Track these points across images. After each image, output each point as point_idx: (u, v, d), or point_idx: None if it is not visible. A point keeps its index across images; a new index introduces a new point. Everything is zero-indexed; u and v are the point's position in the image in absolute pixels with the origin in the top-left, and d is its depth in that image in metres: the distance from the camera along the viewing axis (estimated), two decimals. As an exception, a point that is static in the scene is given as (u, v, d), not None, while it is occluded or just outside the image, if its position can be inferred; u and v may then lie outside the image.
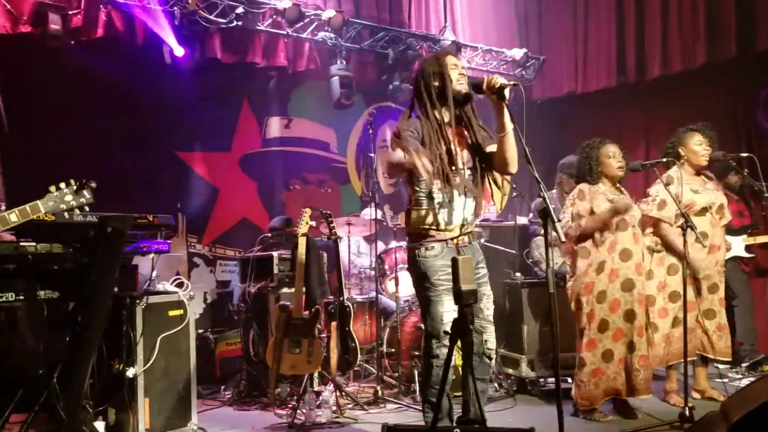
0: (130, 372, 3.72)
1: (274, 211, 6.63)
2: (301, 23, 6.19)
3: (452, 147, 3.12)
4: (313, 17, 6.29)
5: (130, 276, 3.87)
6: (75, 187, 2.52)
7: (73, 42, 5.12)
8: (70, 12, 5.03)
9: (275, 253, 5.15)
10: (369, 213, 5.70)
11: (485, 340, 3.17)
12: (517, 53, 7.49)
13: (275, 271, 5.09)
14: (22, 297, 3.28)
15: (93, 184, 2.57)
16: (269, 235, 5.65)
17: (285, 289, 4.97)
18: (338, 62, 6.49)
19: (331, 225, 4.82)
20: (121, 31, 5.32)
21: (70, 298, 3.48)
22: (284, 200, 6.91)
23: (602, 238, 4.05)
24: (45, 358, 3.45)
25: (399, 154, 2.92)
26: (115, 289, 3.57)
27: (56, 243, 3.32)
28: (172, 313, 4.00)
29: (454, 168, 3.09)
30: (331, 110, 6.94)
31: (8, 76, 5.08)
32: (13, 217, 2.33)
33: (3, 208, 3.04)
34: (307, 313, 4.51)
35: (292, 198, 6.95)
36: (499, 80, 2.97)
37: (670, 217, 4.27)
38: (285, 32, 6.22)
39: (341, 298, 4.81)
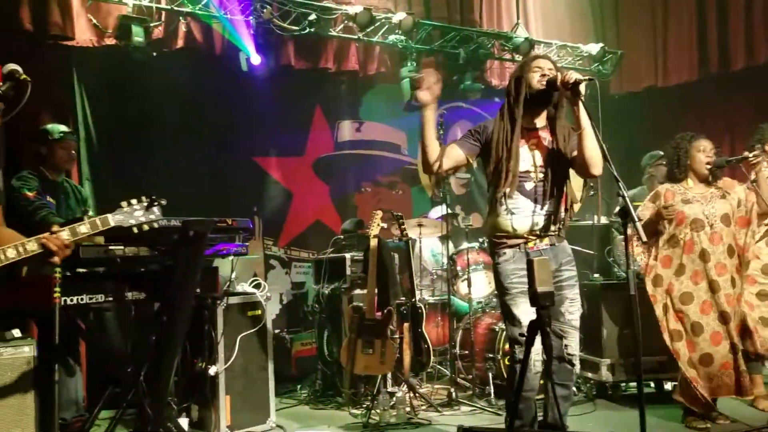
0: (212, 370, 3.84)
1: (346, 214, 6.70)
2: (372, 27, 6.24)
3: (517, 149, 3.06)
4: (383, 20, 6.34)
5: (211, 278, 3.99)
6: (146, 204, 2.61)
7: (155, 53, 5.35)
8: (151, 24, 5.25)
9: (348, 255, 5.22)
10: (437, 213, 5.69)
11: (566, 345, 3.09)
12: (594, 48, 7.30)
13: (348, 272, 5.15)
14: (111, 298, 3.44)
15: (163, 202, 2.65)
16: (341, 237, 5.73)
17: (357, 290, 5.02)
18: (408, 64, 6.50)
19: (403, 226, 4.84)
20: (199, 42, 5.52)
21: (156, 299, 3.63)
22: (356, 203, 6.97)
23: (677, 238, 3.91)
24: (132, 357, 3.61)
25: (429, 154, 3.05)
26: (197, 291, 3.68)
27: (143, 246, 3.47)
28: (250, 313, 4.12)
29: (510, 168, 3.04)
30: (402, 112, 6.96)
31: (94, 88, 5.37)
32: (83, 228, 2.44)
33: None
34: (379, 314, 4.54)
35: (364, 200, 7.01)
36: (573, 75, 2.91)
37: None
38: (356, 37, 6.29)
39: (413, 300, 4.82)
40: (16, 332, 3.38)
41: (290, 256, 6.54)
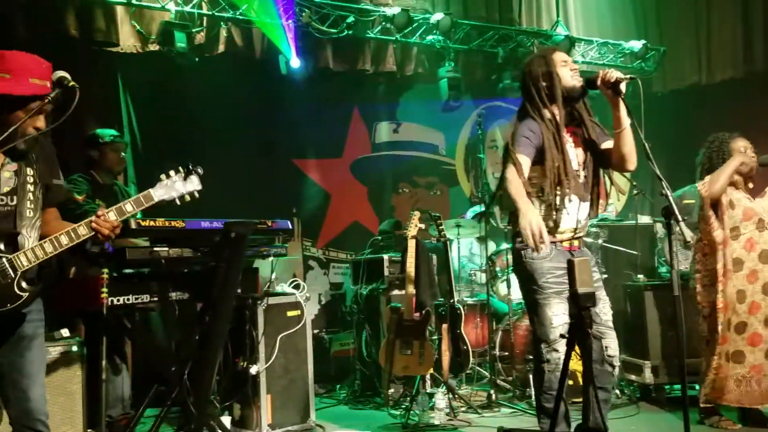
0: (253, 369, 3.89)
1: (384, 215, 6.73)
2: (410, 28, 6.25)
3: (566, 148, 3.02)
4: (421, 21, 6.34)
5: (252, 278, 4.05)
6: (183, 174, 2.59)
7: (197, 58, 5.46)
8: (193, 30, 5.36)
9: (385, 256, 5.23)
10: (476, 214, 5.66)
11: (605, 347, 3.03)
12: (636, 45, 7.18)
13: (386, 273, 5.16)
14: (155, 299, 3.52)
15: (200, 170, 2.64)
16: (379, 237, 5.74)
17: (395, 291, 5.02)
18: (446, 64, 6.49)
19: (441, 227, 4.83)
20: (240, 46, 5.62)
21: (199, 299, 3.70)
22: (394, 203, 6.99)
23: (740, 232, 3.82)
24: (176, 356, 3.69)
25: (512, 190, 2.84)
26: (239, 291, 3.73)
27: (186, 248, 3.54)
28: (290, 313, 4.16)
29: (568, 172, 2.99)
30: (440, 112, 6.95)
31: (139, 93, 5.50)
32: (129, 206, 2.48)
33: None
34: (417, 315, 4.54)
35: (402, 201, 7.02)
36: (615, 74, 2.85)
37: None
38: (394, 38, 6.31)
39: (451, 301, 4.80)
40: (65, 332, 3.48)
41: (328, 257, 6.59)
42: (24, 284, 2.27)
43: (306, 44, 5.92)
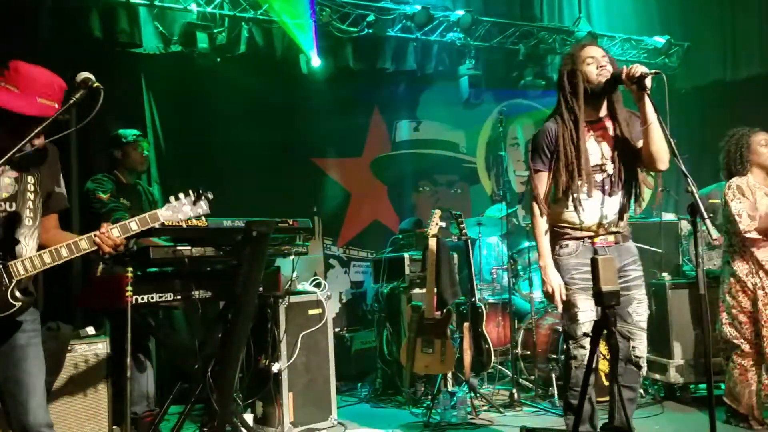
0: (275, 367, 3.91)
1: (404, 213, 6.72)
2: (430, 26, 6.23)
3: (585, 145, 2.99)
4: (441, 18, 6.32)
5: (273, 277, 4.07)
6: (193, 198, 2.60)
7: (218, 59, 5.49)
8: (215, 31, 5.40)
9: (406, 254, 5.22)
10: (496, 212, 5.62)
11: (633, 347, 3.01)
12: (659, 41, 7.09)
13: (407, 271, 5.16)
14: (179, 297, 3.55)
15: (210, 196, 2.64)
16: (400, 236, 5.74)
17: (416, 290, 5.02)
18: (467, 62, 6.46)
19: (461, 225, 4.81)
20: (261, 46, 5.64)
21: (221, 298, 3.72)
22: (414, 202, 6.99)
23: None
24: (199, 354, 3.72)
25: (535, 235, 3.11)
26: (260, 289, 3.75)
27: (209, 247, 3.57)
28: (311, 312, 4.18)
29: (581, 167, 2.97)
30: (460, 110, 6.94)
31: (162, 93, 5.55)
32: (134, 225, 2.47)
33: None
34: (438, 313, 4.52)
35: (422, 199, 7.01)
36: (639, 69, 2.82)
37: None
38: (414, 36, 6.30)
39: (473, 299, 4.78)
40: (90, 330, 3.53)
41: (349, 256, 6.60)
42: (17, 293, 2.25)
43: (326, 43, 5.94)
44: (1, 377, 2.30)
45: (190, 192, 2.61)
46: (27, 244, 2.32)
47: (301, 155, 6.35)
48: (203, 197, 2.61)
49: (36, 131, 2.21)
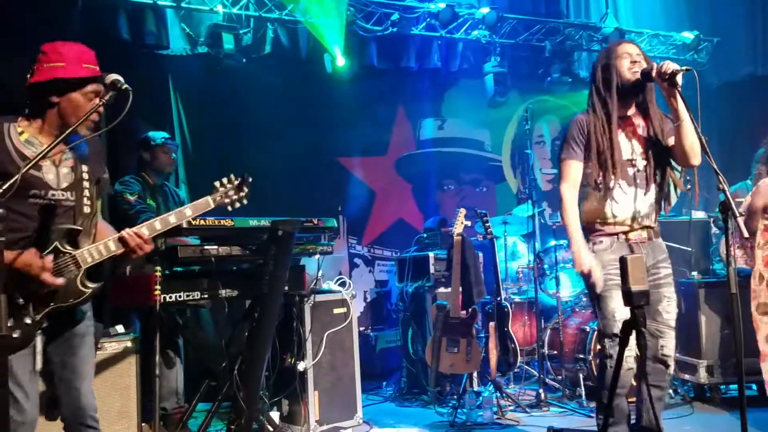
0: (301, 366, 3.93)
1: (429, 212, 6.71)
2: (455, 23, 6.21)
3: (617, 139, 2.97)
4: (466, 16, 6.29)
5: (299, 275, 4.08)
6: (236, 183, 2.72)
7: (244, 59, 5.54)
8: (241, 32, 5.44)
9: (431, 253, 5.21)
10: (522, 211, 5.59)
11: (662, 346, 2.98)
12: (688, 36, 6.98)
13: (431, 270, 5.15)
14: (206, 296, 3.59)
15: (249, 179, 2.76)
16: (424, 235, 5.72)
17: (441, 289, 5.00)
18: (492, 59, 6.43)
19: (487, 224, 4.78)
20: (286, 47, 5.67)
21: (247, 296, 3.76)
22: (439, 200, 6.97)
23: None
24: (226, 352, 3.75)
25: (567, 221, 3.02)
26: (286, 288, 3.77)
27: (235, 246, 3.60)
28: (336, 310, 4.19)
29: (615, 160, 2.94)
30: (486, 108, 6.90)
31: (188, 94, 5.61)
32: (188, 211, 2.58)
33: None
34: (464, 312, 4.51)
35: (447, 198, 6.99)
36: (671, 66, 2.79)
37: None
38: (438, 34, 6.28)
39: (498, 298, 4.75)
40: (120, 328, 3.57)
41: (373, 255, 6.61)
42: (87, 281, 2.33)
43: (350, 42, 5.95)
44: (58, 363, 2.38)
45: (232, 177, 2.73)
46: (88, 232, 2.41)
47: (326, 154, 6.37)
48: (245, 182, 2.73)
49: (93, 91, 2.33)
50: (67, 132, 2.28)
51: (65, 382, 2.38)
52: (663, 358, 2.99)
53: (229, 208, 2.72)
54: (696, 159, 2.92)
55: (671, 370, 3.05)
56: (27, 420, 2.26)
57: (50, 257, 2.26)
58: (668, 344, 3.00)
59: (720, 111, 6.83)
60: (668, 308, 3.01)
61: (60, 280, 2.25)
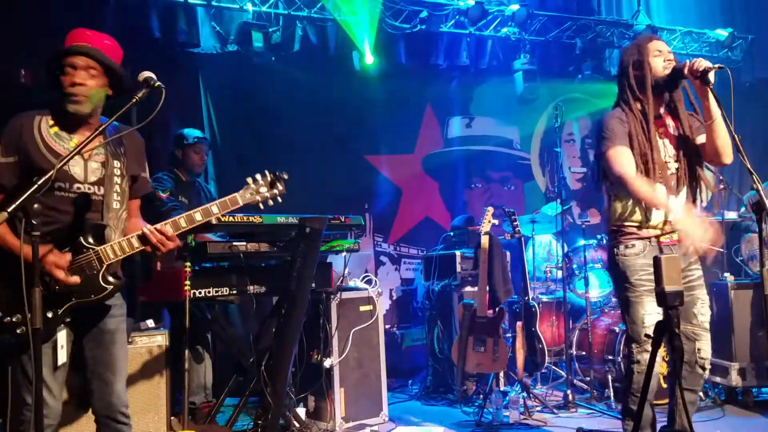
0: (327, 362, 3.95)
1: (456, 210, 6.68)
2: (484, 21, 6.17)
3: (656, 139, 2.91)
4: (496, 13, 6.25)
5: (326, 272, 4.10)
6: (269, 179, 2.60)
7: (273, 57, 5.57)
8: (270, 30, 5.48)
9: (458, 252, 5.19)
10: (553, 210, 5.53)
11: (698, 349, 2.93)
12: (722, 33, 6.84)
13: (458, 269, 5.12)
14: (234, 291, 3.63)
15: (285, 176, 2.63)
16: (451, 233, 5.70)
17: (468, 288, 4.98)
18: (521, 56, 6.38)
19: (515, 223, 4.75)
20: (315, 44, 5.70)
21: (275, 293, 3.78)
22: (466, 199, 6.93)
23: None
24: (254, 347, 3.78)
25: (640, 188, 2.80)
26: (313, 285, 3.79)
27: (263, 242, 3.63)
28: (362, 308, 4.19)
29: (656, 160, 2.88)
30: (515, 106, 6.84)
31: (218, 92, 5.67)
32: (215, 208, 2.51)
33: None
34: (491, 312, 4.48)
35: (474, 196, 6.95)
36: (703, 63, 2.74)
37: None
38: (467, 31, 6.24)
39: (526, 298, 4.72)
40: (150, 322, 3.62)
41: (399, 253, 6.60)
42: (109, 277, 2.33)
43: (379, 40, 5.95)
44: (89, 357, 2.40)
45: (267, 173, 2.61)
46: (116, 227, 2.41)
47: (353, 152, 6.38)
48: (279, 178, 2.61)
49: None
50: (103, 126, 2.31)
51: (97, 376, 2.40)
52: (701, 362, 2.94)
53: (261, 205, 2.60)
54: (728, 158, 2.86)
55: (707, 373, 2.99)
56: (50, 413, 2.28)
57: (68, 255, 2.27)
58: (705, 347, 2.94)
59: (753, 109, 6.69)
60: (702, 310, 2.96)
61: (74, 278, 2.24)
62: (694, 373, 2.94)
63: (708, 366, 2.96)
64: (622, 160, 2.86)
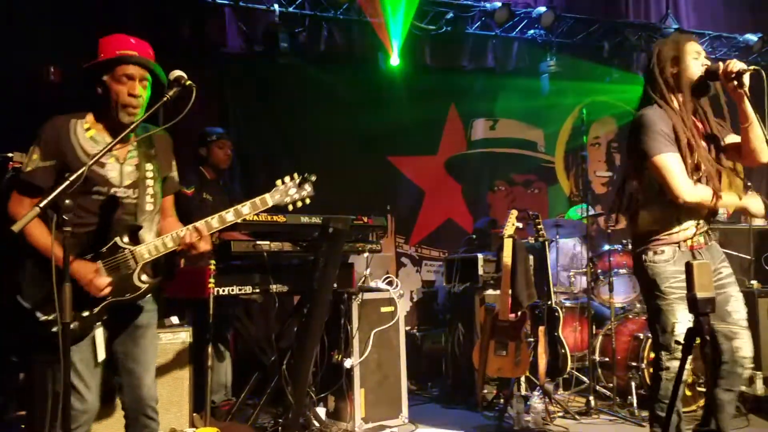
0: (347, 363, 3.94)
1: (479, 213, 6.65)
2: (511, 22, 6.14)
3: (699, 139, 2.84)
4: (522, 15, 6.21)
5: (348, 273, 4.10)
6: (298, 181, 2.64)
7: (299, 58, 5.60)
8: (296, 31, 5.50)
9: (480, 255, 5.15)
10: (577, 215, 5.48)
11: (737, 347, 2.81)
12: (752, 38, 6.74)
13: (480, 272, 5.09)
14: (257, 290, 3.64)
15: (313, 178, 2.67)
16: (474, 236, 5.67)
17: (490, 291, 4.95)
18: (548, 59, 6.33)
19: (539, 227, 4.70)
20: (340, 45, 5.71)
21: (297, 292, 3.79)
22: (489, 201, 6.90)
23: None
24: (276, 346, 3.80)
25: (698, 192, 2.74)
26: (335, 285, 3.79)
27: (286, 242, 3.64)
28: (383, 309, 4.18)
29: (704, 156, 2.81)
30: (540, 108, 6.79)
31: (244, 92, 5.70)
32: (246, 209, 2.54)
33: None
34: (513, 315, 4.44)
35: (497, 199, 6.91)
36: (737, 65, 2.68)
37: None
38: (493, 33, 6.21)
39: (549, 302, 4.67)
40: (174, 319, 3.66)
41: (421, 255, 6.59)
42: (144, 276, 2.38)
43: (404, 41, 5.94)
44: (121, 353, 2.45)
45: (295, 175, 2.65)
46: (150, 228, 2.47)
47: (377, 153, 6.38)
48: (307, 180, 2.65)
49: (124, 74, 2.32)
50: (131, 127, 2.33)
51: (128, 372, 2.45)
52: (741, 361, 2.82)
53: (290, 207, 2.64)
54: (765, 157, 2.80)
55: (747, 372, 2.88)
56: (88, 409, 2.34)
57: (96, 264, 2.31)
58: (744, 345, 2.82)
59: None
60: (737, 307, 2.85)
61: (106, 290, 2.29)
62: (734, 372, 2.83)
63: (749, 365, 2.83)
64: (679, 170, 2.74)
